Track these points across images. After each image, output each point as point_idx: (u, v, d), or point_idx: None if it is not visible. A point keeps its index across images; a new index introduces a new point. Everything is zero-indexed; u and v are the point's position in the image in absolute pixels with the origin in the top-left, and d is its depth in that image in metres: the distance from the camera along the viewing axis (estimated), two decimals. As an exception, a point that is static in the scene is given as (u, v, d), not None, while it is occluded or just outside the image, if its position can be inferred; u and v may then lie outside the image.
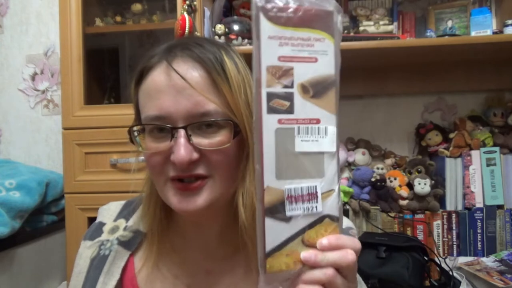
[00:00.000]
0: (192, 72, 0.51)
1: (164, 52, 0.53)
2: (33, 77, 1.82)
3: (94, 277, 0.59)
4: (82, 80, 1.32)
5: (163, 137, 0.51)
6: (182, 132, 0.49)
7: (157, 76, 0.51)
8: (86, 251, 0.63)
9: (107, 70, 1.59)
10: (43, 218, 1.44)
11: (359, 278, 0.59)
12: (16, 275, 1.28)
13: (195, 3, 1.24)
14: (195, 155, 0.50)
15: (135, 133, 0.54)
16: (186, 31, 1.18)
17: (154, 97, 0.51)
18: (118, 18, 1.47)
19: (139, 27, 1.50)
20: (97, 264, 0.60)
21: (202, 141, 0.50)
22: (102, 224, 0.66)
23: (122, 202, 0.69)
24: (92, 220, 1.29)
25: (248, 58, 0.58)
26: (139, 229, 0.62)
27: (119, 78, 1.59)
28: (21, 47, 1.82)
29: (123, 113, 1.30)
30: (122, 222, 0.65)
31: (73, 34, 1.33)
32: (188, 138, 0.50)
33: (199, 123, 0.50)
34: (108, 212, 0.67)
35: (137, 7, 1.45)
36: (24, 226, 1.30)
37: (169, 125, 0.50)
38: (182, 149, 0.49)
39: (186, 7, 1.21)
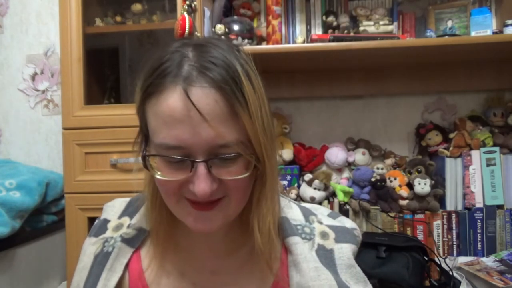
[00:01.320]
0: (212, 103, 0.47)
1: (178, 74, 0.49)
2: (33, 77, 1.82)
3: (97, 273, 0.59)
4: (82, 80, 1.32)
5: (180, 166, 0.50)
6: (203, 165, 0.49)
7: (173, 103, 0.48)
8: (90, 247, 0.63)
9: (107, 70, 1.59)
10: (43, 218, 1.44)
11: (364, 278, 0.60)
12: (16, 275, 1.28)
13: (195, 3, 1.24)
14: (215, 185, 0.50)
15: (148, 158, 0.53)
16: (186, 31, 1.18)
17: (171, 126, 0.48)
18: (118, 18, 1.47)
19: (139, 27, 1.50)
20: (101, 260, 0.60)
21: (221, 171, 0.50)
22: (106, 221, 0.66)
23: (127, 199, 0.69)
24: (92, 220, 1.29)
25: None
26: (142, 226, 0.63)
27: (119, 78, 1.59)
28: (21, 47, 1.82)
29: (123, 113, 1.30)
30: (126, 220, 0.65)
31: (73, 34, 1.33)
32: (209, 169, 0.49)
33: (219, 156, 0.49)
34: (113, 209, 0.68)
35: (137, 7, 1.45)
36: (24, 226, 1.30)
37: (190, 159, 0.49)
38: (203, 183, 0.48)
39: (186, 7, 1.21)
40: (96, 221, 0.68)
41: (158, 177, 0.51)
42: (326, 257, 0.58)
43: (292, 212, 0.63)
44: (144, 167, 0.53)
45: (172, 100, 0.48)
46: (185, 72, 0.49)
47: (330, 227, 0.62)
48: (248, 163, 0.51)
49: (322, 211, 0.67)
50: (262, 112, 0.51)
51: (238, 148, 0.49)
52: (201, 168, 0.49)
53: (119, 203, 0.69)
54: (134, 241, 0.62)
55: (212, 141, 0.48)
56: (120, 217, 0.66)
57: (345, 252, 0.59)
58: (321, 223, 0.62)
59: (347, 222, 0.65)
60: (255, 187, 0.54)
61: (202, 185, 0.48)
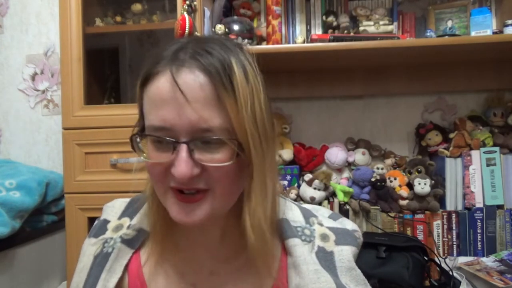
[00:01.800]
0: (198, 87, 0.48)
1: (172, 58, 0.51)
2: (33, 77, 1.82)
3: (96, 274, 0.59)
4: (82, 80, 1.32)
5: (165, 148, 0.50)
6: (184, 146, 0.49)
7: (162, 85, 0.50)
8: (90, 248, 0.63)
9: (107, 70, 1.59)
10: (43, 218, 1.44)
11: (364, 280, 0.59)
12: (16, 275, 1.28)
13: (195, 3, 1.24)
14: (196, 170, 0.49)
15: (138, 139, 0.54)
16: (186, 31, 1.18)
17: (159, 107, 0.50)
18: (118, 18, 1.47)
19: (139, 27, 1.50)
20: (100, 261, 0.60)
21: (204, 156, 0.50)
22: (106, 222, 0.66)
23: (127, 200, 0.69)
24: (92, 220, 1.29)
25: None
26: (142, 227, 0.62)
27: (119, 78, 1.59)
28: (21, 47, 1.82)
29: (123, 113, 1.30)
30: (126, 221, 0.65)
31: (73, 34, 1.33)
32: (190, 153, 0.49)
33: (201, 139, 0.49)
34: (113, 210, 0.67)
35: (137, 7, 1.45)
36: (24, 226, 1.30)
37: (172, 139, 0.49)
38: (183, 165, 0.48)
39: (186, 7, 1.21)
40: (96, 221, 0.68)
41: (143, 158, 0.52)
42: (326, 259, 0.58)
43: (292, 213, 0.63)
44: (132, 149, 0.53)
45: (161, 82, 0.50)
46: (179, 57, 0.51)
47: (331, 229, 0.62)
48: (231, 153, 0.50)
49: (323, 213, 0.66)
50: (255, 105, 0.51)
51: (222, 134, 0.49)
52: (182, 150, 0.49)
53: (119, 204, 0.69)
54: (134, 242, 0.62)
55: (195, 123, 0.48)
56: (120, 217, 0.66)
57: (345, 254, 0.59)
58: (321, 225, 0.62)
59: (348, 224, 0.64)
60: (244, 180, 0.53)
61: (181, 166, 0.48)
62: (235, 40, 0.59)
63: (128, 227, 0.63)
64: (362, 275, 0.59)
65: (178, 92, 0.48)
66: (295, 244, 0.58)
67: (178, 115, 0.48)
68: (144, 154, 0.52)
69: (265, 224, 0.53)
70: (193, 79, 0.49)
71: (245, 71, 0.52)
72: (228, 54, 0.51)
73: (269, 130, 0.54)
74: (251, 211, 0.53)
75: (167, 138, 0.49)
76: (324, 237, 0.60)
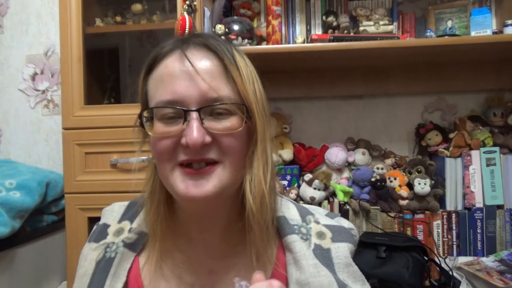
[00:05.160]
0: (206, 59, 0.53)
1: (178, 41, 0.55)
2: (33, 77, 1.82)
3: (100, 279, 0.59)
4: (82, 80, 1.32)
5: (174, 121, 0.52)
6: (195, 115, 0.50)
7: (171, 63, 0.53)
8: (91, 253, 0.62)
9: (107, 70, 1.59)
10: (43, 218, 1.44)
11: (362, 276, 0.60)
12: (16, 275, 1.28)
13: (195, 3, 1.24)
14: (208, 138, 0.51)
15: (144, 119, 0.55)
16: (186, 31, 1.18)
17: (168, 82, 0.52)
18: (118, 18, 1.47)
19: (139, 27, 1.50)
20: (103, 267, 0.60)
21: (214, 125, 0.51)
22: (106, 226, 0.65)
23: (126, 203, 0.68)
24: (92, 220, 1.29)
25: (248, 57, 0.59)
26: (143, 230, 0.62)
27: (119, 78, 1.59)
28: (21, 47, 1.82)
29: (123, 113, 1.30)
30: (127, 224, 0.64)
31: (73, 34, 1.33)
32: (201, 121, 0.50)
33: (212, 107, 0.51)
34: (112, 214, 0.67)
35: (137, 7, 1.45)
36: (24, 226, 1.30)
37: (183, 108, 0.51)
38: (195, 131, 0.50)
39: (186, 7, 1.21)
40: (95, 226, 0.67)
41: (152, 134, 0.53)
42: (323, 256, 0.58)
43: (289, 211, 0.63)
44: (140, 126, 0.55)
45: (170, 60, 0.53)
46: (184, 40, 0.55)
47: (327, 226, 0.62)
48: (240, 121, 0.52)
49: (319, 211, 0.67)
50: (255, 84, 0.55)
51: (230, 103, 0.52)
52: (193, 118, 0.50)
53: (117, 207, 0.68)
54: (136, 245, 0.62)
55: (205, 93, 0.51)
56: (120, 221, 0.65)
57: (342, 251, 0.59)
58: (318, 222, 0.62)
59: (344, 222, 0.65)
60: (248, 151, 0.55)
61: (194, 133, 0.50)
62: (232, 41, 0.63)
63: (130, 231, 0.63)
64: (360, 271, 0.60)
65: (188, 65, 0.51)
66: (294, 240, 0.58)
67: (188, 86, 0.51)
68: (152, 130, 0.53)
69: (265, 188, 0.54)
70: (201, 56, 0.53)
71: (243, 58, 0.57)
72: (229, 44, 0.56)
73: (267, 108, 0.57)
74: (252, 176, 0.54)
75: (177, 107, 0.51)
76: (320, 235, 0.60)
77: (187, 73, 0.51)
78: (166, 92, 0.52)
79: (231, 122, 0.52)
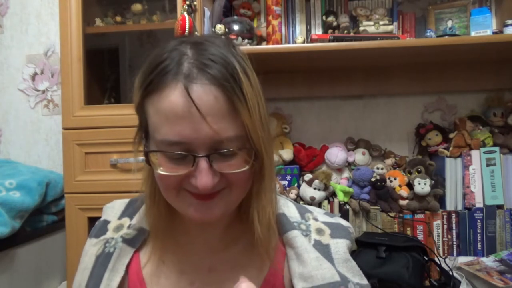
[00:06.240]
0: (212, 100, 0.48)
1: (178, 70, 0.50)
2: (33, 77, 1.82)
3: (99, 273, 0.60)
4: (82, 80, 1.32)
5: (182, 162, 0.51)
6: (204, 159, 0.50)
7: (175, 99, 0.49)
8: (91, 248, 0.64)
9: (107, 70, 1.59)
10: (43, 218, 1.44)
11: (359, 271, 0.61)
12: (16, 275, 1.28)
13: (195, 3, 1.24)
14: (217, 179, 0.51)
15: (147, 149, 0.54)
16: (186, 31, 1.18)
17: (173, 122, 0.49)
18: (118, 18, 1.47)
19: (139, 27, 1.50)
20: (102, 261, 0.61)
21: (222, 165, 0.51)
22: (107, 222, 0.67)
23: (126, 200, 0.70)
24: (92, 220, 1.29)
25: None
26: (142, 227, 0.63)
27: (119, 78, 1.59)
28: (21, 47, 1.82)
29: (123, 113, 1.30)
30: (126, 221, 0.66)
31: (73, 34, 1.33)
32: (210, 164, 0.50)
33: (219, 151, 0.50)
34: (113, 211, 0.68)
35: (137, 7, 1.45)
36: (24, 226, 1.30)
37: (192, 153, 0.50)
38: (205, 177, 0.50)
39: (186, 7, 1.21)
40: (97, 222, 0.69)
41: (160, 172, 0.51)
42: (323, 251, 0.59)
43: (289, 209, 0.65)
44: (146, 163, 0.53)
45: (173, 97, 0.49)
46: (186, 70, 0.49)
47: (326, 223, 0.64)
48: (247, 156, 0.52)
49: (318, 210, 0.68)
50: (259, 106, 0.52)
51: (238, 142, 0.50)
52: (203, 163, 0.50)
53: (118, 204, 0.69)
54: (135, 241, 0.63)
55: (213, 136, 0.49)
56: (120, 217, 0.67)
57: (340, 246, 0.61)
58: (316, 219, 0.64)
59: (342, 221, 0.66)
60: (255, 180, 0.55)
61: (204, 179, 0.49)
62: (223, 37, 0.59)
63: (129, 227, 0.64)
64: (357, 266, 0.61)
65: (193, 107, 0.48)
66: (295, 236, 0.60)
67: (195, 130, 0.49)
68: (161, 168, 0.52)
69: (272, 219, 0.57)
70: (206, 93, 0.49)
71: (247, 73, 0.52)
72: (229, 58, 0.51)
73: (269, 126, 0.56)
74: (261, 208, 0.56)
75: (187, 153, 0.50)
76: (319, 231, 0.62)
77: (193, 116, 0.48)
78: (172, 132, 0.49)
79: (238, 160, 0.51)
